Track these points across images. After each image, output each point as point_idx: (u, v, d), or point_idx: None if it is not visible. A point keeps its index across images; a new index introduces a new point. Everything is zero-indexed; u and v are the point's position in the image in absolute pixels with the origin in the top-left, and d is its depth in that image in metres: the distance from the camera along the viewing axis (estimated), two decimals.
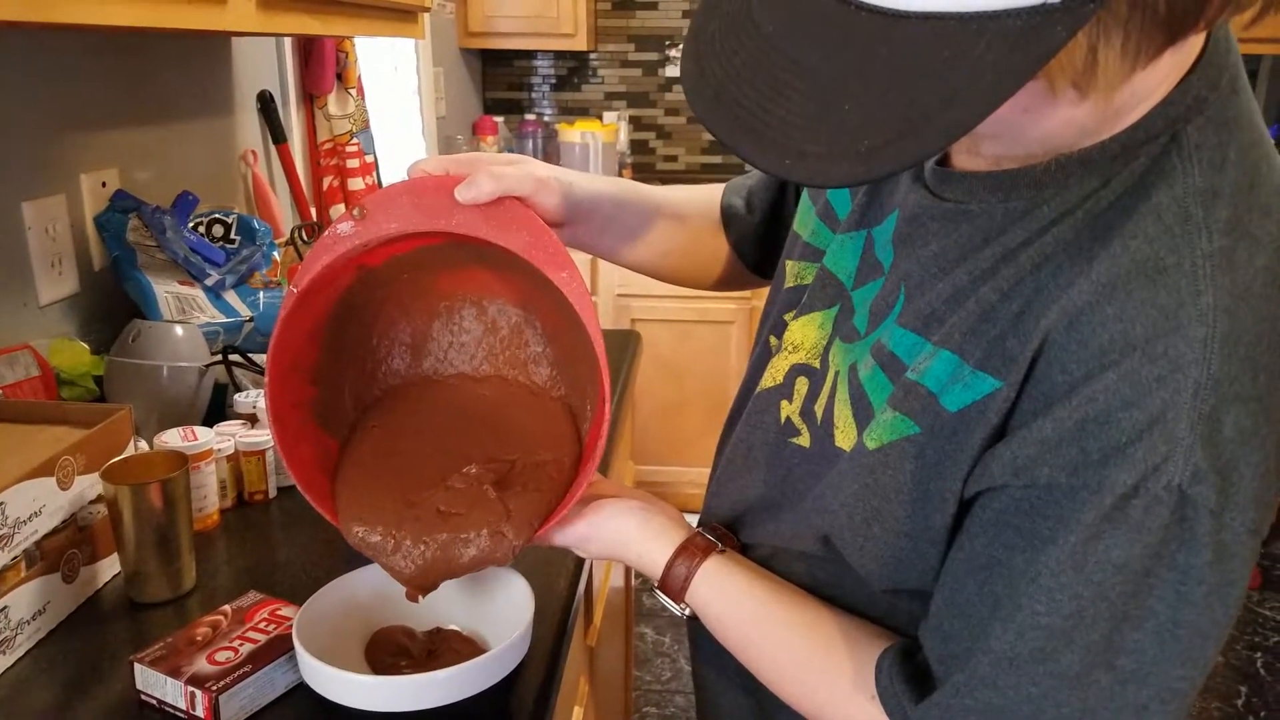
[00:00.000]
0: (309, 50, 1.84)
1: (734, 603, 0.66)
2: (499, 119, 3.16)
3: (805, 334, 0.69)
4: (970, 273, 0.56)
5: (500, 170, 0.67)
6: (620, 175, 3.15)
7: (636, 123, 3.31)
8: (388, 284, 0.73)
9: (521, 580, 0.74)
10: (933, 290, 0.58)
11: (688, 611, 0.67)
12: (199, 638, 0.72)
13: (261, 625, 0.73)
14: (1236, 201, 0.51)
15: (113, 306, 1.28)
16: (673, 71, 3.25)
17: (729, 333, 2.80)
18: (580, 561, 0.91)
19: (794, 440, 0.67)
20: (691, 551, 0.67)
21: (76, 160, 1.25)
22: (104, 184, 1.29)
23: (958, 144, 0.44)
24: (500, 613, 0.74)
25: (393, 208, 0.65)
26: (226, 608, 0.76)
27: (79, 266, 1.25)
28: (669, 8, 3.20)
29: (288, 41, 1.80)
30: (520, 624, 0.70)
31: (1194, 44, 0.51)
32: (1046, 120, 0.49)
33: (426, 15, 1.63)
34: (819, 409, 0.65)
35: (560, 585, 0.86)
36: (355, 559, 0.69)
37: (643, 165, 3.35)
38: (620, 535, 0.68)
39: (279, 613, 0.75)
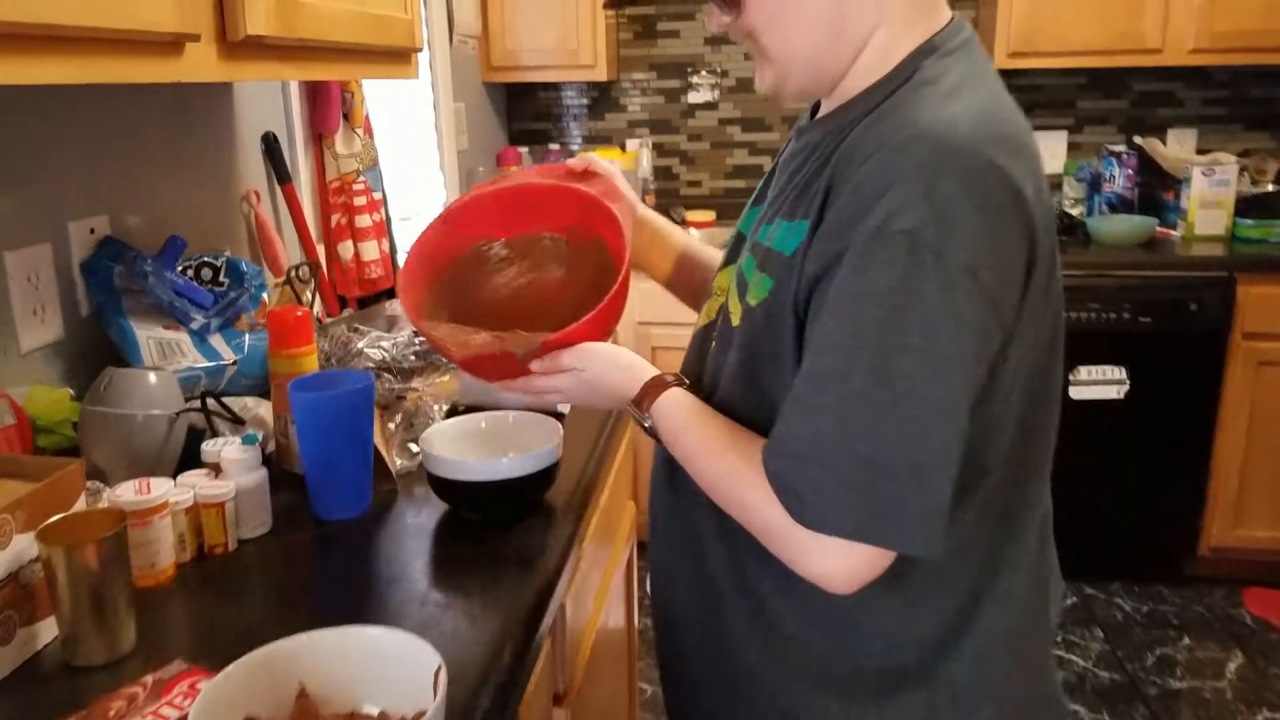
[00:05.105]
0: (315, 91, 1.86)
1: (690, 417, 0.85)
2: (523, 149, 3.16)
3: (724, 279, 0.92)
4: (802, 171, 0.81)
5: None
6: (643, 201, 3.12)
7: (660, 149, 3.29)
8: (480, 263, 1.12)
9: (437, 657, 0.70)
10: (784, 192, 0.83)
11: (648, 422, 0.87)
12: (113, 713, 0.70)
13: (177, 701, 0.71)
14: (969, 86, 0.76)
15: (98, 353, 1.29)
16: (695, 98, 3.23)
17: None
18: (533, 625, 0.87)
19: (711, 343, 0.90)
20: (662, 382, 0.88)
21: (65, 207, 1.26)
22: (92, 230, 1.30)
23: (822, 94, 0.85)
24: (416, 693, 0.70)
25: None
26: (148, 678, 0.74)
27: (65, 313, 1.26)
28: (690, 35, 3.18)
29: (293, 83, 1.81)
30: (432, 703, 0.66)
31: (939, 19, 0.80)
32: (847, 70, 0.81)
33: (422, 56, 1.63)
34: (724, 312, 0.88)
35: (503, 658, 0.82)
36: (302, 621, 0.65)
37: (666, 191, 3.32)
38: (606, 360, 0.91)
39: (198, 685, 0.73)
